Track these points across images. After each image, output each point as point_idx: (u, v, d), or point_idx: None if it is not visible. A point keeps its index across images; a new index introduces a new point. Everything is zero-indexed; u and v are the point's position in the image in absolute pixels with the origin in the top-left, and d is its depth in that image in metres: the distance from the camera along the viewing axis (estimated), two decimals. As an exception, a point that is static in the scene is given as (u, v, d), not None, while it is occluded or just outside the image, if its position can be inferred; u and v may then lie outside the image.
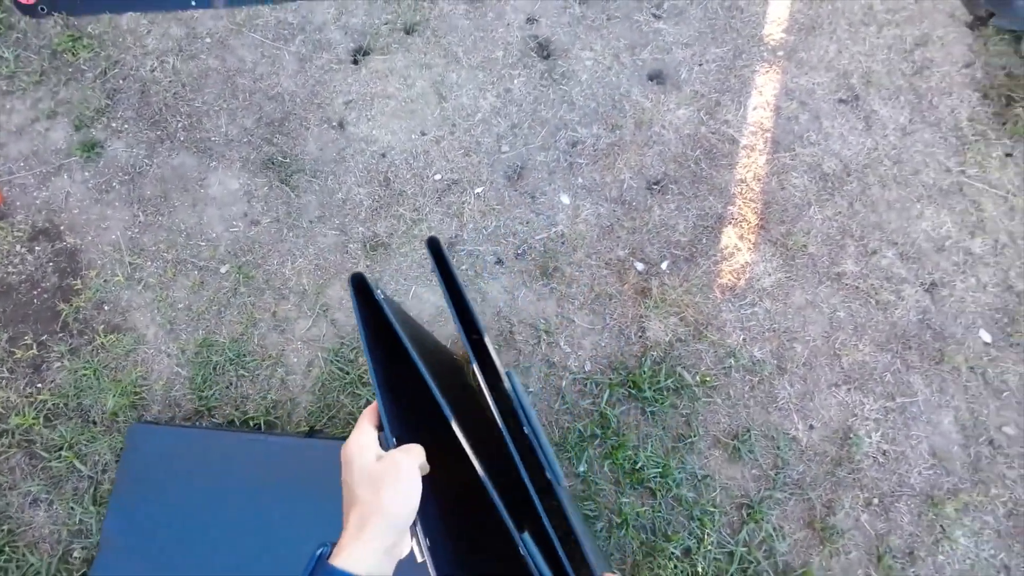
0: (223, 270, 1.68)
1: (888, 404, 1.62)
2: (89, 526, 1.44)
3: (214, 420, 1.54)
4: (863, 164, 1.89)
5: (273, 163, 1.79)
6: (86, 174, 1.76)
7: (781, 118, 1.94)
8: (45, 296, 1.63)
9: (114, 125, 1.82)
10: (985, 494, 1.55)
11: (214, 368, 1.57)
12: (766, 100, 1.96)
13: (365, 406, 1.51)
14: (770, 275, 1.75)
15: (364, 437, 0.61)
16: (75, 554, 1.43)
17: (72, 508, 1.44)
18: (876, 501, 1.53)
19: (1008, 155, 1.93)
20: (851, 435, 1.59)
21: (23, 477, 1.47)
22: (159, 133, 1.82)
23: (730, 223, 1.81)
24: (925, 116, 1.97)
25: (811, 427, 1.60)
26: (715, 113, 1.94)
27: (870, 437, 1.59)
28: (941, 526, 1.51)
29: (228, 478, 1.39)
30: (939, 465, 1.57)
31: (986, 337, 1.70)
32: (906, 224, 1.82)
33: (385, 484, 0.55)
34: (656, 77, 1.99)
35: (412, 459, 0.58)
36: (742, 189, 1.85)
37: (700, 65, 2.00)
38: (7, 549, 1.42)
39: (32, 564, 1.40)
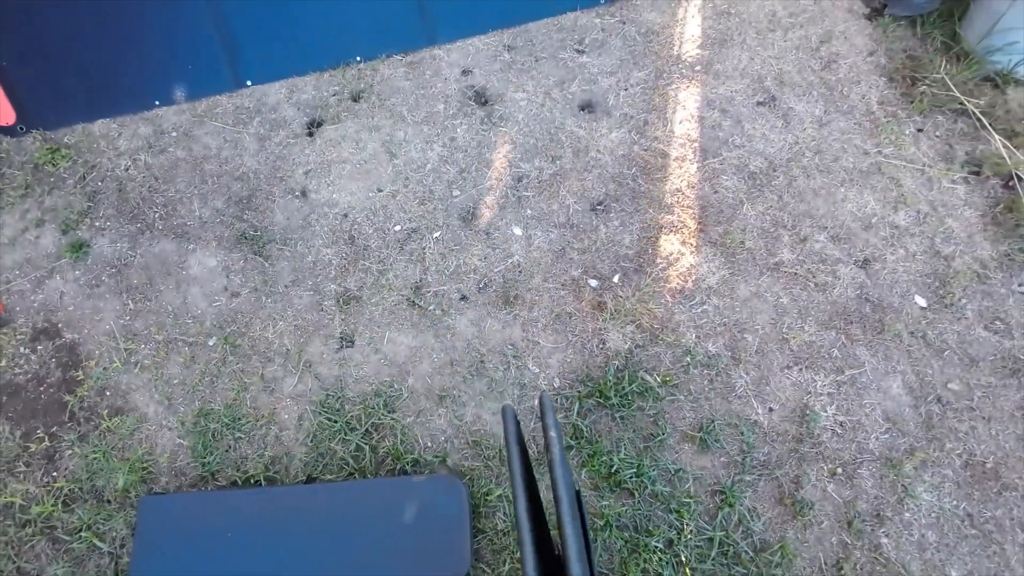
0: (211, 343, 1.81)
1: (839, 378, 1.74)
2: (114, 599, 1.55)
3: (218, 483, 1.66)
4: (787, 158, 2.04)
5: (246, 237, 1.95)
6: (76, 273, 1.91)
7: (706, 127, 2.10)
8: (51, 390, 1.77)
9: (97, 224, 1.98)
10: (940, 449, 1.65)
11: (213, 435, 1.70)
12: (690, 113, 2.12)
13: (356, 451, 1.63)
14: (714, 273, 1.88)
15: None
16: (103, 627, 1.53)
17: (96, 584, 1.55)
18: (839, 471, 1.64)
19: (919, 130, 2.08)
20: (808, 412, 1.70)
21: (48, 562, 1.58)
22: (139, 225, 1.98)
23: (672, 231, 1.95)
24: (838, 106, 2.13)
25: (770, 410, 1.71)
26: (645, 132, 2.10)
27: (826, 411, 1.70)
28: (903, 485, 1.61)
29: (239, 533, 1.50)
30: (894, 428, 1.68)
31: (921, 302, 1.83)
32: (833, 208, 1.96)
33: None
34: (587, 107, 2.16)
35: None
36: (679, 198, 1.99)
37: (626, 90, 2.18)
38: (40, 632, 1.52)
39: (65, 642, 1.50)
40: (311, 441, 1.69)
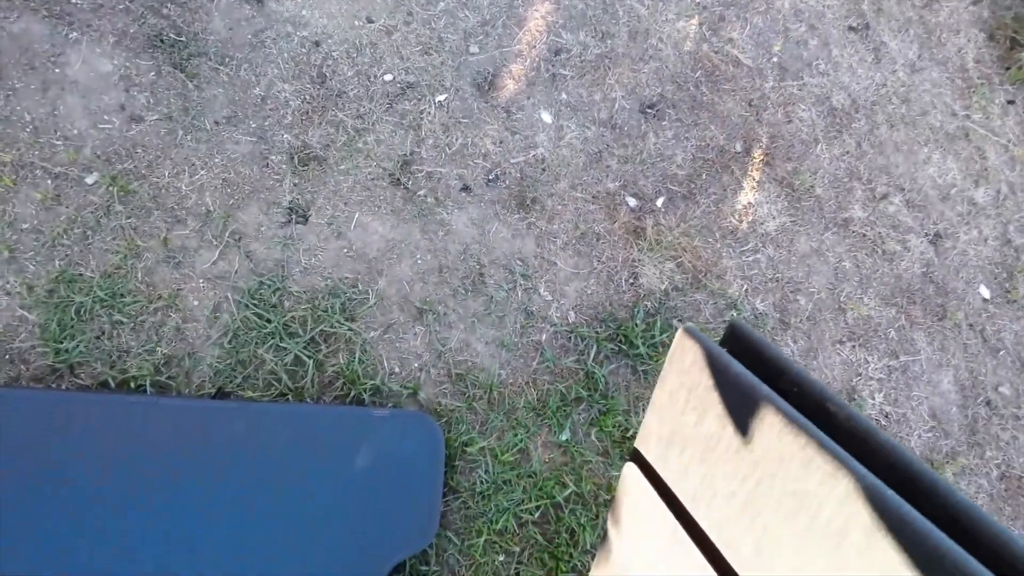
0: (89, 181, 1.23)
1: (892, 363, 1.49)
2: None
3: (79, 381, 1.14)
4: (872, 101, 1.70)
5: (163, 41, 1.33)
6: None
7: (790, 41, 1.70)
8: None
9: (-83, -33, 1.27)
10: (980, 456, 1.46)
11: (77, 312, 1.16)
12: (774, 19, 1.71)
13: (293, 365, 1.17)
14: (774, 218, 1.54)
15: None
16: None
17: None
18: (877, 467, 1.41)
19: (1010, 102, 1.81)
20: (855, 396, 1.44)
21: None
22: (-10, -14, 1.29)
23: (733, 157, 1.57)
24: (934, 53, 1.81)
25: (814, 388, 1.43)
26: (719, 29, 1.67)
27: (874, 398, 1.45)
28: (939, 491, 1.41)
29: (104, 460, 1.02)
30: (938, 427, 1.46)
31: (985, 293, 1.60)
32: (913, 169, 1.66)
33: None
34: (654, -20, 1.68)
35: None
36: (746, 119, 1.61)
37: (703, -28, 1.71)
38: None
39: None
40: (229, 342, 1.19)
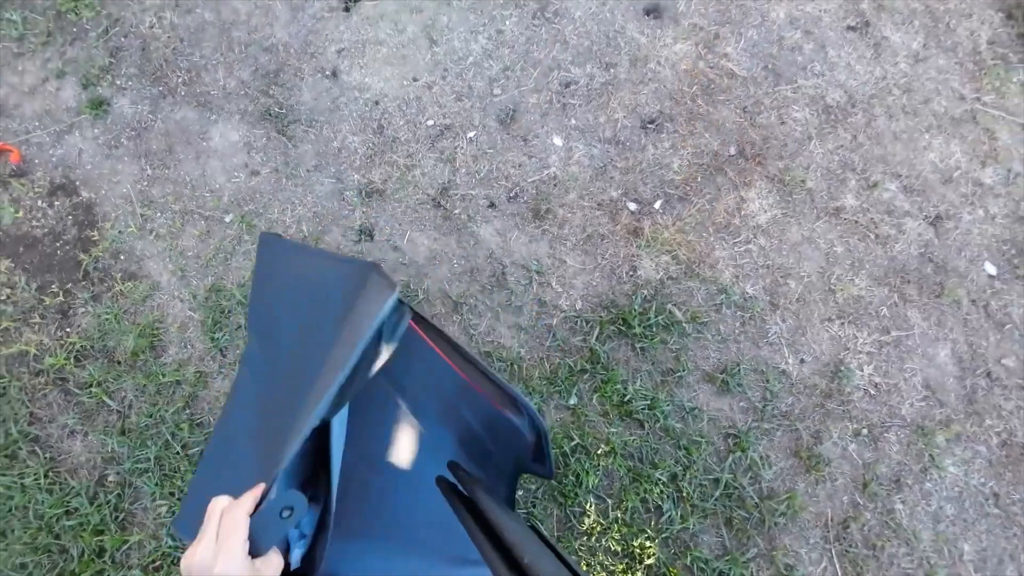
0: (227, 219, 1.75)
1: (883, 338, 1.62)
2: (120, 455, 1.58)
3: (227, 360, 1.65)
4: (870, 94, 1.82)
5: (270, 114, 1.83)
6: (96, 131, 1.83)
7: (784, 49, 1.87)
8: (67, 247, 1.74)
9: (119, 82, 1.88)
10: (979, 424, 1.55)
11: (223, 312, 1.67)
12: (769, 30, 1.88)
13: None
14: (766, 212, 1.73)
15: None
16: (110, 478, 1.57)
17: (104, 439, 1.58)
18: (865, 431, 1.55)
19: (1030, 79, 1.82)
20: (842, 368, 1.59)
21: (60, 411, 1.61)
22: (161, 89, 1.87)
23: (726, 160, 1.78)
24: (941, 41, 1.87)
25: (802, 361, 1.61)
26: (714, 46, 1.88)
27: (862, 370, 1.59)
28: (930, 455, 1.52)
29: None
30: (932, 397, 1.57)
31: (991, 270, 1.66)
32: (912, 156, 1.76)
33: None
34: (653, 11, 1.92)
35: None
36: (740, 125, 1.80)
37: (699, -4, 1.93)
38: (51, 474, 1.57)
39: (72, 487, 1.55)
40: (321, 330, 1.64)
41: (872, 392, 1.57)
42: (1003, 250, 1.67)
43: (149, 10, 1.95)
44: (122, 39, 1.93)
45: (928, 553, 1.46)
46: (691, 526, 1.47)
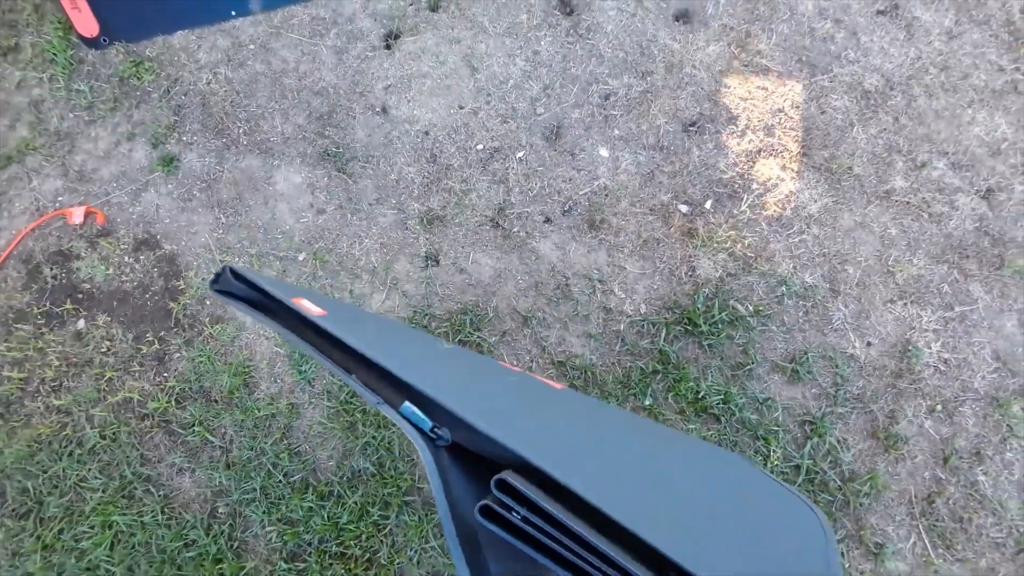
0: (300, 258, 1.85)
1: (947, 314, 1.65)
2: (228, 487, 1.69)
3: (314, 390, 1.75)
4: (907, 76, 1.85)
5: (328, 154, 1.93)
6: (169, 186, 1.96)
7: (816, 40, 1.91)
8: (156, 298, 1.86)
9: (185, 138, 2.00)
10: (1053, 391, 1.57)
11: (307, 345, 1.77)
12: (799, 23, 1.93)
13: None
14: (816, 201, 1.77)
15: None
16: (220, 510, 1.68)
17: (211, 474, 1.69)
18: (939, 407, 1.58)
19: (1068, 44, 1.83)
20: (910, 348, 1.63)
21: (167, 451, 1.73)
22: (224, 140, 1.99)
23: (771, 155, 1.82)
24: (972, 15, 1.89)
25: (868, 344, 1.65)
26: (747, 45, 1.93)
27: (930, 348, 1.62)
28: (1008, 425, 1.55)
29: None
30: (1004, 368, 1.60)
31: (1049, 237, 1.68)
32: (957, 132, 1.78)
33: None
34: (682, 17, 1.98)
35: None
36: (780, 119, 1.85)
37: (727, -3, 1.98)
38: (166, 510, 1.69)
39: (188, 520, 1.66)
40: (400, 355, 1.74)
41: (942, 368, 1.61)
42: (1059, 216, 1.68)
43: (205, 68, 2.08)
44: (183, 97, 2.06)
45: (1016, 521, 1.49)
46: (778, 513, 1.52)
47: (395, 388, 0.68)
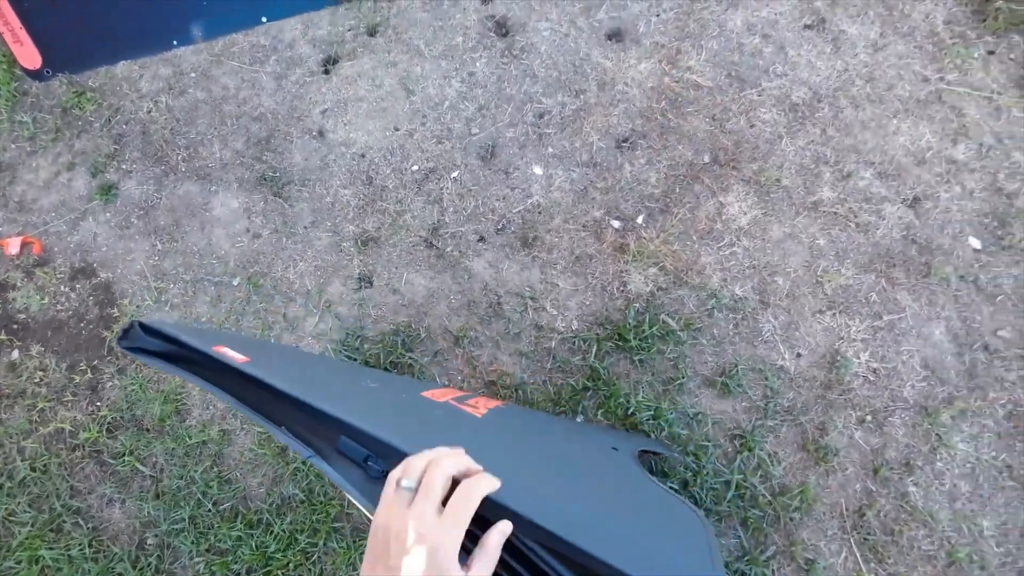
0: (235, 283, 1.85)
1: (875, 323, 1.64)
2: (157, 518, 1.66)
3: (246, 418, 1.74)
4: (834, 88, 1.87)
5: (265, 179, 1.95)
6: (107, 215, 1.96)
7: (745, 55, 1.93)
8: (91, 326, 1.86)
9: (124, 167, 2.01)
10: (983, 399, 1.56)
11: (240, 370, 1.76)
12: (728, 39, 1.95)
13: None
14: (746, 214, 1.78)
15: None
16: (149, 542, 1.66)
17: (140, 504, 1.67)
18: (869, 418, 1.57)
19: (991, 52, 1.86)
20: (839, 358, 1.62)
21: (97, 482, 1.71)
22: (163, 167, 2.00)
23: (701, 168, 1.83)
24: (897, 27, 1.92)
25: (798, 355, 1.64)
26: (677, 62, 1.95)
27: (859, 357, 1.62)
28: (937, 434, 1.54)
29: None
30: (932, 376, 1.59)
31: (976, 244, 1.68)
32: (883, 142, 1.80)
33: None
34: (615, 36, 2.01)
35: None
36: (711, 133, 1.86)
37: (658, 15, 2.01)
38: (94, 543, 1.66)
39: (116, 553, 1.64)
40: (333, 378, 1.73)
41: (871, 378, 1.60)
42: (985, 223, 1.69)
43: (146, 96, 2.10)
44: (124, 126, 2.07)
45: (948, 533, 1.47)
46: (708, 530, 1.50)
47: (327, 427, 0.68)
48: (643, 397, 1.62)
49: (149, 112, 2.08)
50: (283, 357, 1.00)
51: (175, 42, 2.14)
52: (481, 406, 1.01)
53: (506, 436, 0.96)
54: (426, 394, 0.96)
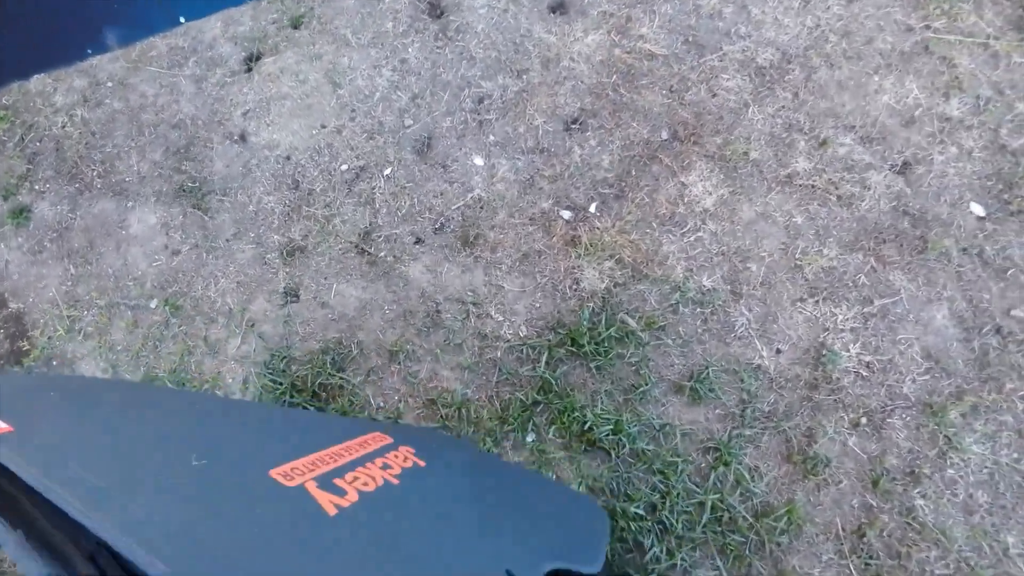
0: (152, 305, 1.69)
1: (866, 310, 1.42)
2: None
3: (167, 452, 1.56)
4: (804, 46, 1.66)
5: (185, 190, 1.78)
6: (19, 239, 1.81)
7: (702, 17, 1.73)
8: (1, 362, 1.71)
9: (37, 187, 1.87)
10: (998, 391, 1.33)
11: (158, 402, 1.59)
12: (682, 2, 1.75)
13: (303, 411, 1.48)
14: (711, 194, 1.57)
15: None
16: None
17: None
18: (864, 420, 1.35)
19: (983, -6, 1.63)
20: (825, 352, 1.40)
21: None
22: (78, 185, 1.85)
23: (659, 147, 1.63)
24: (873, -26, 1.70)
25: (778, 351, 1.43)
26: (628, 31, 1.75)
27: (848, 350, 1.40)
28: (946, 436, 1.31)
29: None
30: (936, 368, 1.36)
31: (978, 211, 1.45)
32: (864, 103, 1.58)
33: None
34: (558, 8, 1.82)
35: None
36: (668, 107, 1.66)
37: (604, -18, 1.81)
38: None
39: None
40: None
41: (864, 374, 1.38)
42: (988, 186, 1.46)
43: (61, 111, 1.95)
44: (37, 144, 1.93)
45: (965, 553, 1.24)
46: (680, 561, 1.29)
47: (84, 537, 0.53)
48: (602, 409, 1.42)
49: (64, 127, 1.93)
50: (94, 418, 0.80)
51: (89, 51, 1.99)
52: (331, 511, 0.74)
53: (353, 551, 0.72)
54: (278, 472, 0.74)
